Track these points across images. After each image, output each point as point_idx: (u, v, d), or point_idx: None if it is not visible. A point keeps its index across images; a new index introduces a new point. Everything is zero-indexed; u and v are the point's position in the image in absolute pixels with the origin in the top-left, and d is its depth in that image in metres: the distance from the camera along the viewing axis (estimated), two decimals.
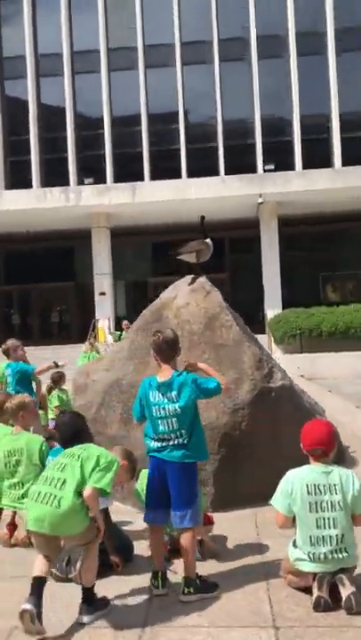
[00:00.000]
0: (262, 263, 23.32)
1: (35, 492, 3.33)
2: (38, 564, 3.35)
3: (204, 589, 3.57)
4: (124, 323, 12.58)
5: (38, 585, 3.29)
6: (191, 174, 24.85)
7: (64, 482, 3.28)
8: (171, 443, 3.59)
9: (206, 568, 3.94)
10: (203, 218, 6.51)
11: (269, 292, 22.75)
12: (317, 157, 25.02)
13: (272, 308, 22.02)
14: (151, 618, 3.37)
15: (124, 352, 6.19)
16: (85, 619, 3.28)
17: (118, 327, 18.73)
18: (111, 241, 24.27)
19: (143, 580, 3.81)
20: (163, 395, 3.62)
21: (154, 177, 25.23)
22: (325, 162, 24.81)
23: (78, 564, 3.82)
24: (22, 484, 4.70)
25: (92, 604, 3.32)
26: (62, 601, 3.61)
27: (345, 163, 24.43)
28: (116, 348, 6.42)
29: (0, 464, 4.79)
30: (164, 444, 3.61)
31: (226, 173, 24.65)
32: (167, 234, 25.08)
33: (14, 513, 4.66)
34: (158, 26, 25.73)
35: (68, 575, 3.88)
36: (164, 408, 3.60)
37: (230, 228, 24.98)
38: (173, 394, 3.59)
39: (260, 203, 21.61)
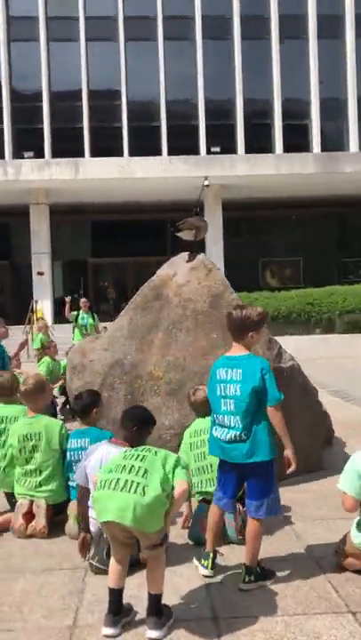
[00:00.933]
0: (206, 246, 23.25)
1: (110, 479, 2.97)
2: (114, 573, 3.04)
3: (263, 577, 3.42)
4: (83, 301, 12.03)
5: (116, 599, 3.01)
6: (133, 153, 24.39)
7: (146, 471, 2.96)
8: (231, 431, 3.33)
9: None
10: (196, 207, 6.37)
11: None
12: (259, 142, 25.19)
13: None
14: (219, 609, 3.18)
15: (123, 330, 5.89)
16: (156, 634, 2.92)
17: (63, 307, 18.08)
18: (50, 218, 23.47)
19: (186, 569, 3.61)
20: (227, 371, 3.38)
21: (94, 154, 24.55)
22: (267, 147, 25.04)
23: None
24: (40, 471, 4.36)
25: (161, 615, 2.98)
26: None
27: (286, 149, 24.76)
28: (115, 327, 6.09)
29: (14, 450, 4.41)
30: (225, 431, 3.36)
31: (169, 154, 24.36)
32: (109, 213, 24.62)
33: (31, 502, 4.32)
34: None
35: (108, 567, 3.61)
36: (226, 386, 3.37)
37: (173, 209, 24.78)
38: (238, 371, 3.35)
39: (207, 185, 21.49)
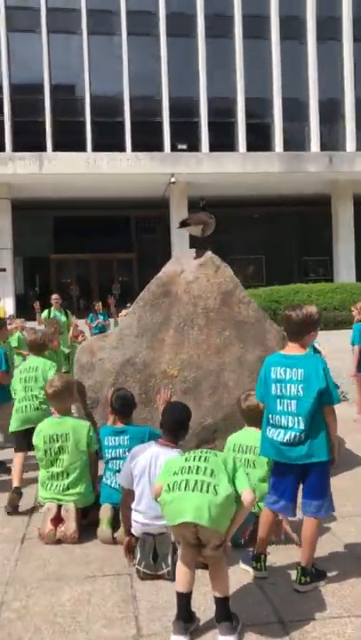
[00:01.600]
0: (172, 243, 23.21)
1: (178, 481, 2.87)
2: (184, 576, 2.92)
3: (318, 577, 3.39)
4: (54, 297, 11.52)
5: (186, 604, 2.91)
6: (96, 149, 24.09)
7: (212, 471, 2.88)
8: (290, 432, 3.27)
9: (291, 553, 3.76)
10: (202, 200, 6.28)
11: None
12: (223, 141, 25.29)
13: None
14: (282, 612, 3.12)
15: (132, 328, 5.75)
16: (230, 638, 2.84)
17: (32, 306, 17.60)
18: (12, 214, 22.92)
19: (232, 573, 3.54)
20: (286, 371, 3.31)
21: (56, 149, 24.12)
22: (230, 146, 25.17)
23: (169, 559, 3.51)
24: (67, 474, 4.20)
25: (232, 620, 2.89)
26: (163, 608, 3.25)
27: (249, 148, 24.94)
28: (123, 325, 5.95)
29: (38, 452, 4.25)
30: (281, 432, 3.30)
31: (132, 150, 24.16)
32: (72, 209, 24.26)
33: (59, 506, 4.15)
34: None
35: (157, 572, 3.51)
36: (285, 386, 3.31)
37: (139, 206, 24.67)
38: (300, 371, 3.30)
39: (173, 182, 21.42)
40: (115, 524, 4.06)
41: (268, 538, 3.52)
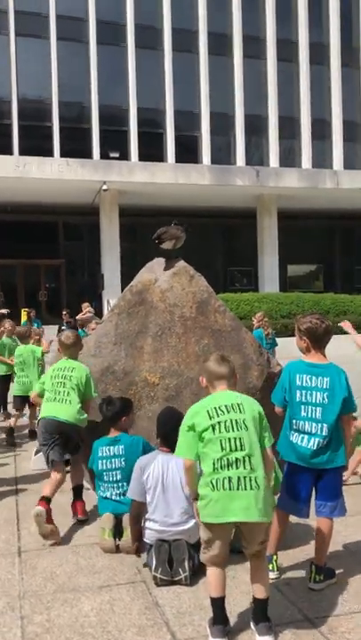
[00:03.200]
0: (102, 251, 23.07)
1: (220, 477, 2.88)
2: (219, 580, 2.96)
3: (330, 575, 3.54)
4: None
5: (222, 609, 2.96)
6: (23, 153, 23.58)
7: (249, 458, 2.90)
8: (313, 438, 3.40)
9: (289, 553, 3.90)
10: (175, 221, 6.42)
11: (109, 281, 22.61)
12: (151, 151, 25.47)
13: (112, 297, 21.90)
14: (305, 609, 3.24)
15: (110, 336, 5.73)
16: (270, 639, 2.90)
17: None
18: None
19: (242, 574, 3.63)
20: (312, 379, 3.45)
21: None
22: (159, 156, 25.38)
23: (186, 565, 3.55)
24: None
25: (270, 619, 2.96)
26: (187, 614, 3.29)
27: (177, 160, 25.28)
28: (100, 332, 5.90)
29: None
30: (304, 437, 3.43)
31: (61, 156, 23.85)
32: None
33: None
34: None
35: (173, 578, 3.54)
36: (310, 393, 3.44)
37: (67, 212, 24.34)
38: (325, 380, 3.44)
39: (105, 190, 21.34)
40: (116, 533, 4.05)
41: (281, 539, 3.64)
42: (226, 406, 3.00)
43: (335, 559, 3.81)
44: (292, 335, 9.58)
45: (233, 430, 2.94)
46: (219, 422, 2.95)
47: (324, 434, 3.38)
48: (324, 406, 3.39)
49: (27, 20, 24.37)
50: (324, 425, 3.38)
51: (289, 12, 27.58)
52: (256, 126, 27.19)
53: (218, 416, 2.97)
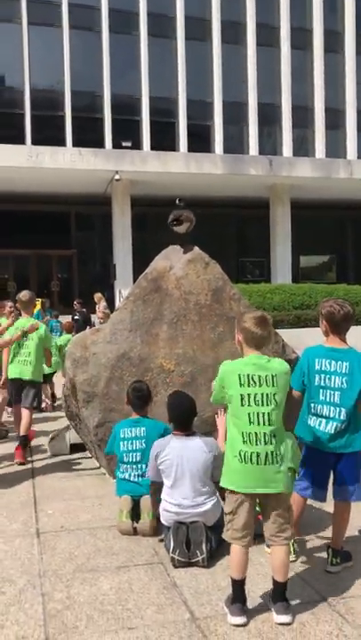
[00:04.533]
0: (114, 241, 23.09)
1: (250, 452, 2.98)
2: (241, 559, 3.02)
3: (347, 558, 3.57)
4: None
5: (242, 589, 3.04)
6: (36, 143, 23.58)
7: (274, 435, 3.00)
8: (331, 422, 3.42)
9: (315, 536, 3.93)
10: (180, 200, 6.41)
11: (121, 272, 22.64)
12: (164, 141, 25.40)
13: (124, 287, 21.94)
14: (322, 591, 3.28)
15: (125, 323, 5.76)
16: (288, 618, 2.95)
17: None
18: None
19: (259, 556, 3.66)
20: (331, 363, 3.46)
21: None
22: (171, 146, 25.30)
23: (203, 547, 3.59)
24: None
25: (287, 599, 3.02)
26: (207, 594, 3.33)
27: (189, 149, 25.19)
28: (116, 319, 5.94)
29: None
30: (322, 421, 3.45)
31: (73, 145, 23.84)
32: (10, 202, 23.61)
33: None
34: None
35: (191, 559, 3.58)
36: (329, 378, 3.45)
37: (79, 202, 24.36)
38: (345, 364, 3.45)
39: (117, 180, 21.32)
40: (133, 516, 4.10)
41: (298, 523, 3.67)
42: (259, 377, 3.03)
43: (352, 543, 3.84)
44: (305, 326, 9.40)
45: (263, 405, 3.00)
46: (248, 394, 3.00)
47: (342, 418, 3.39)
48: (343, 391, 3.40)
49: (39, 8, 24.30)
50: (343, 409, 3.39)
51: (303, 0, 27.31)
52: (269, 115, 27.01)
53: (249, 386, 3.01)
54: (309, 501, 3.72)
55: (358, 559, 3.64)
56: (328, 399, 3.44)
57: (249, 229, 27.76)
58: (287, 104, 27.15)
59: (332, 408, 3.43)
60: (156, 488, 3.82)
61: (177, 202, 6.49)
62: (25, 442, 6.13)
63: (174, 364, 5.51)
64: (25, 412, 6.25)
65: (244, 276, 26.64)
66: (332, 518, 3.60)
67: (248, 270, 27.84)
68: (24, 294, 6.71)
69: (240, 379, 3.03)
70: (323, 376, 3.47)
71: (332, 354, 3.47)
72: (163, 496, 3.77)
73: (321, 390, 3.46)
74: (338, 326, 3.51)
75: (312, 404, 3.50)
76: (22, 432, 6.14)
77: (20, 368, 6.36)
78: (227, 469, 3.08)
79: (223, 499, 3.23)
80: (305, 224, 26.53)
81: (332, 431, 3.40)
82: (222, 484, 3.09)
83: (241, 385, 3.02)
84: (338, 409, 3.41)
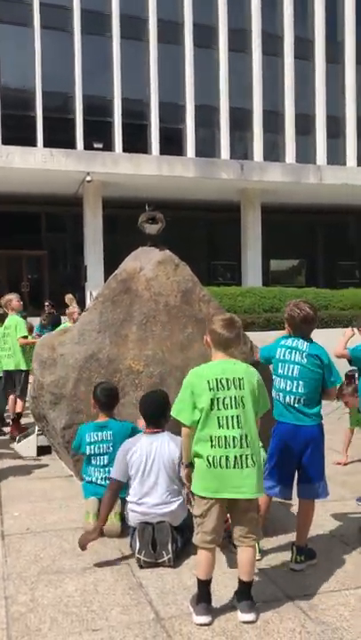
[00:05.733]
0: (85, 243, 22.99)
1: (217, 455, 2.96)
2: (208, 561, 3.02)
3: (311, 556, 3.61)
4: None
5: (207, 589, 3.05)
6: (6, 142, 23.34)
7: (246, 437, 2.99)
8: (296, 407, 3.51)
9: (279, 534, 3.97)
10: (149, 205, 6.49)
11: (92, 273, 22.53)
12: (136, 143, 25.38)
13: (95, 289, 21.81)
14: (286, 588, 3.31)
15: (94, 324, 5.73)
16: (252, 616, 2.96)
17: None
18: None
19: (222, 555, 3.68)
20: (291, 354, 3.54)
21: None
22: (143, 149, 25.29)
23: (169, 547, 3.59)
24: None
25: (252, 597, 3.02)
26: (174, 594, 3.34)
27: (162, 152, 25.23)
28: (84, 320, 5.91)
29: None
30: (289, 408, 3.53)
31: (44, 146, 23.67)
32: None
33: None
34: None
35: (157, 560, 3.58)
36: (291, 368, 3.53)
37: (49, 202, 24.18)
38: (304, 354, 3.53)
39: (89, 181, 21.23)
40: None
41: (264, 521, 3.70)
42: (228, 380, 3.03)
43: (316, 541, 3.88)
44: (275, 329, 9.49)
45: (232, 408, 3.00)
46: (218, 398, 2.99)
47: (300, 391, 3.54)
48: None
49: (10, 7, 24.08)
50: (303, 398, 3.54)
51: (274, 7, 27.62)
52: (241, 120, 27.22)
53: (218, 390, 3.00)
54: (274, 498, 3.76)
55: (322, 557, 3.69)
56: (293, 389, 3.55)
57: (220, 233, 27.91)
58: (258, 109, 27.40)
59: (296, 398, 3.53)
60: (115, 487, 3.79)
61: (146, 207, 6.54)
62: (19, 417, 7.29)
63: (143, 365, 5.51)
64: (18, 401, 7.37)
65: (215, 279, 26.72)
66: (297, 516, 3.64)
67: (219, 273, 27.96)
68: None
69: (209, 384, 3.02)
70: (286, 365, 3.59)
71: (292, 349, 3.58)
72: (129, 497, 3.76)
73: (284, 380, 3.59)
74: (298, 328, 3.58)
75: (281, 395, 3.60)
76: (18, 410, 7.33)
77: (6, 361, 7.40)
78: (196, 474, 3.07)
79: (191, 499, 3.23)
80: (275, 228, 26.78)
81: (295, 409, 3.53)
82: (193, 489, 3.09)
83: (210, 389, 3.02)
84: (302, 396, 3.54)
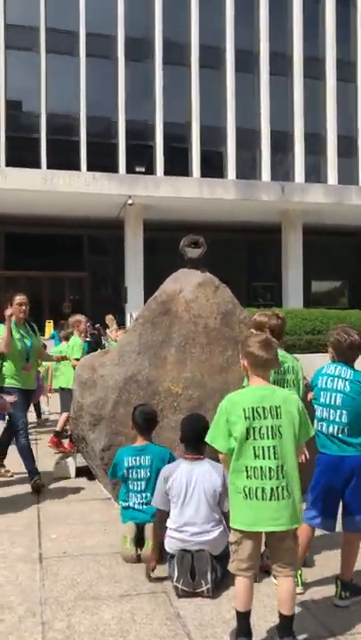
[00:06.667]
0: (125, 265, 23.21)
1: (254, 487, 2.86)
2: (246, 591, 2.92)
3: (357, 592, 3.46)
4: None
5: (247, 622, 2.95)
6: (51, 167, 23.89)
7: (282, 467, 2.88)
8: (339, 437, 3.41)
9: (323, 568, 3.82)
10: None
11: (132, 295, 22.68)
12: (178, 166, 25.64)
13: (135, 310, 21.94)
14: (330, 626, 3.17)
15: (133, 345, 5.73)
16: None
17: None
18: None
19: (266, 587, 3.56)
20: (333, 382, 3.44)
21: (10, 165, 23.74)
22: (184, 172, 25.52)
23: (208, 576, 3.50)
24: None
25: (294, 634, 2.90)
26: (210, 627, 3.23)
27: (203, 175, 25.40)
28: (124, 341, 5.92)
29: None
30: (332, 438, 3.41)
31: (87, 170, 24.12)
32: (24, 225, 23.87)
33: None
34: None
35: (195, 589, 3.49)
36: (333, 396, 3.43)
37: (92, 225, 24.56)
38: (347, 382, 3.42)
39: (130, 204, 21.48)
40: (137, 543, 4.01)
41: (306, 553, 3.58)
42: (264, 409, 2.92)
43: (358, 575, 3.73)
44: (317, 351, 9.39)
45: (268, 438, 2.89)
46: (254, 428, 2.89)
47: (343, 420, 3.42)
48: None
49: (57, 37, 24.83)
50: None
51: (316, 29, 27.72)
52: (282, 142, 27.24)
53: (254, 419, 2.90)
54: (318, 529, 3.63)
55: None
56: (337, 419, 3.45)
57: (260, 254, 27.80)
58: (299, 131, 27.38)
59: (340, 428, 3.42)
60: (160, 517, 3.74)
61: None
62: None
63: (182, 387, 5.46)
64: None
65: (255, 301, 26.56)
66: (341, 549, 3.50)
67: (259, 294, 27.79)
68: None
69: (245, 412, 2.92)
70: (328, 394, 3.50)
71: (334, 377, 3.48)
72: (168, 523, 3.69)
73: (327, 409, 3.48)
74: (343, 354, 3.47)
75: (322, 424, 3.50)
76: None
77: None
78: (232, 505, 2.97)
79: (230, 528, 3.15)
80: (317, 249, 26.51)
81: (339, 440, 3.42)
82: (230, 522, 2.98)
83: (246, 418, 2.92)
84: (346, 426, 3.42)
